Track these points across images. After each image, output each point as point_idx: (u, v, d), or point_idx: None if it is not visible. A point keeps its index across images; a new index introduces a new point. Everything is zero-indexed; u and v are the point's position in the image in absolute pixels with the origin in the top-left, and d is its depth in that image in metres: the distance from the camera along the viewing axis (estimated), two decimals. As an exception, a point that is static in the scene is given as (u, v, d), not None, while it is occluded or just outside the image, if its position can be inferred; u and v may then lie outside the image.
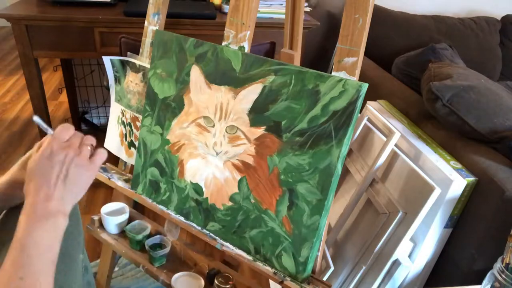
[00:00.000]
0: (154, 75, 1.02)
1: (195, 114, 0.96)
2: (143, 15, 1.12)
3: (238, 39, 0.90)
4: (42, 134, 1.86)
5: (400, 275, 1.11)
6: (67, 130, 0.61)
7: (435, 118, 1.26)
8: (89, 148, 0.63)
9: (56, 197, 0.57)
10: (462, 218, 1.09)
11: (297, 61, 1.04)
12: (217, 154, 0.93)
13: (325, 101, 0.77)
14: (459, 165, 1.10)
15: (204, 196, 0.97)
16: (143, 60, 1.13)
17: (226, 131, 0.91)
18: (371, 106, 1.33)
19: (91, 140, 0.64)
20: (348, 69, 0.78)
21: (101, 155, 0.64)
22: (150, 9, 1.09)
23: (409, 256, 1.12)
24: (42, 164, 0.58)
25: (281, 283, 0.86)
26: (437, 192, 1.00)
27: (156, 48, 1.01)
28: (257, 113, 0.86)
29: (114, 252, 1.20)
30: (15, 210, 0.69)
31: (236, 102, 0.89)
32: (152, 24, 1.10)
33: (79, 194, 0.61)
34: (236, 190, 0.91)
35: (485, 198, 1.03)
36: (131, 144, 1.18)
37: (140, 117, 1.09)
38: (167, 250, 1.08)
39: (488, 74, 1.59)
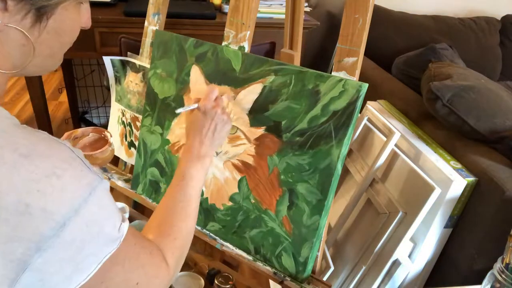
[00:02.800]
0: (154, 75, 1.02)
1: (195, 114, 0.96)
2: (143, 15, 1.11)
3: (238, 39, 0.90)
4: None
5: (400, 275, 1.11)
6: (214, 92, 0.78)
7: (435, 118, 1.26)
8: (227, 109, 0.81)
9: (206, 144, 0.75)
10: (462, 218, 1.09)
11: (297, 61, 1.04)
12: (217, 154, 0.93)
13: (325, 101, 0.77)
14: (459, 165, 1.10)
15: (204, 196, 0.97)
16: (143, 60, 1.13)
17: (226, 131, 0.91)
18: (371, 106, 1.33)
19: (228, 98, 0.86)
20: (348, 69, 0.78)
21: (231, 116, 0.85)
22: (150, 9, 1.09)
23: (409, 256, 1.12)
24: (198, 119, 0.76)
25: (281, 283, 0.86)
26: (437, 192, 1.00)
27: (156, 48, 1.01)
28: (257, 113, 0.86)
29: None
30: None
31: (236, 102, 0.89)
32: (152, 24, 1.10)
33: (221, 143, 0.81)
34: (236, 190, 0.91)
35: (485, 198, 1.03)
36: (131, 144, 1.18)
37: (140, 117, 1.09)
38: (167, 250, 1.08)
39: (488, 74, 1.59)
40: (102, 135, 0.89)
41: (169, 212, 0.65)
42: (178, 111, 0.77)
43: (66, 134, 0.86)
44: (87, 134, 0.87)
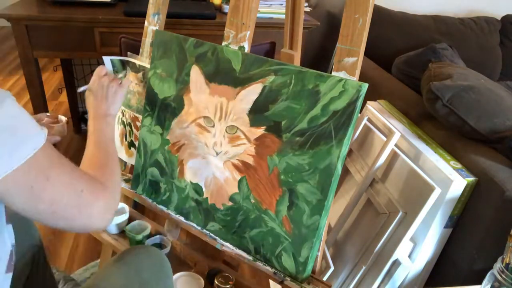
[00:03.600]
0: (154, 75, 1.02)
1: (195, 114, 0.96)
2: (143, 15, 1.11)
3: (238, 39, 0.90)
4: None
5: (400, 275, 1.11)
6: (101, 70, 0.96)
7: (435, 118, 1.26)
8: (119, 78, 1.00)
9: (106, 105, 0.91)
10: (462, 218, 1.09)
11: (297, 61, 1.04)
12: (217, 154, 0.93)
13: (325, 101, 0.77)
14: (459, 165, 1.10)
15: (204, 196, 0.97)
16: (143, 60, 1.13)
17: (226, 131, 0.91)
18: (371, 106, 1.33)
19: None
20: (348, 69, 0.78)
21: (126, 81, 1.00)
22: (150, 9, 1.09)
23: (409, 256, 1.12)
24: (94, 88, 0.93)
25: (281, 283, 0.86)
26: (437, 192, 1.00)
27: (156, 48, 1.01)
28: (257, 113, 0.86)
29: (114, 252, 1.20)
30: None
31: (236, 102, 0.89)
32: (152, 24, 1.10)
33: (118, 105, 0.95)
34: (236, 190, 0.91)
35: (485, 198, 1.03)
36: (131, 144, 1.18)
37: (140, 117, 1.09)
38: (167, 250, 1.08)
39: (488, 74, 1.59)
40: (56, 119, 1.04)
41: (97, 154, 0.79)
42: (79, 90, 1.00)
43: None
44: (43, 119, 1.02)
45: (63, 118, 1.06)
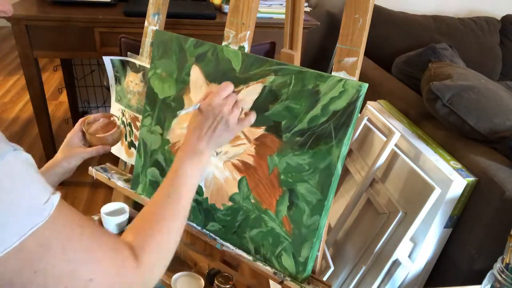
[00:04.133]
0: (154, 75, 1.02)
1: (195, 114, 0.96)
2: (143, 15, 1.12)
3: (238, 39, 0.90)
4: (42, 134, 1.86)
5: (400, 275, 1.11)
6: (227, 89, 0.75)
7: (435, 118, 1.26)
8: (240, 109, 0.77)
9: (204, 141, 0.72)
10: (462, 218, 1.09)
11: (297, 61, 1.04)
12: (217, 154, 0.93)
13: (325, 101, 0.77)
14: (459, 165, 1.10)
15: (204, 196, 0.97)
16: (143, 60, 1.13)
17: (226, 131, 0.91)
18: (371, 106, 1.33)
19: (244, 103, 0.82)
20: (348, 69, 0.78)
21: (250, 119, 0.80)
22: (150, 9, 1.09)
23: (409, 256, 1.12)
24: (201, 115, 0.73)
25: (281, 283, 0.86)
26: (437, 192, 1.00)
27: (156, 48, 1.01)
28: (257, 113, 0.86)
29: (114, 252, 1.20)
30: None
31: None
32: (152, 24, 1.10)
33: (221, 145, 0.78)
34: (236, 190, 0.91)
35: (485, 198, 1.03)
36: (131, 144, 1.18)
37: (140, 117, 1.09)
38: (167, 250, 1.08)
39: (488, 74, 1.59)
40: (111, 119, 1.01)
41: (155, 208, 0.62)
42: (179, 113, 0.74)
43: (80, 120, 0.97)
44: (98, 119, 0.99)
45: (117, 120, 1.00)
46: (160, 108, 1.02)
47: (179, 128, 0.99)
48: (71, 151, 0.92)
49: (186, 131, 0.75)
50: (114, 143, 0.99)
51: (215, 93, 0.74)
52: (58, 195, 0.44)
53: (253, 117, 0.80)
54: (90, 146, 0.96)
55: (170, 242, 0.59)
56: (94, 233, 0.47)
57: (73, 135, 0.95)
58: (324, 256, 1.14)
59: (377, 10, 2.03)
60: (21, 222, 0.39)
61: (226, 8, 1.76)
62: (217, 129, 0.73)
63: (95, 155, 0.94)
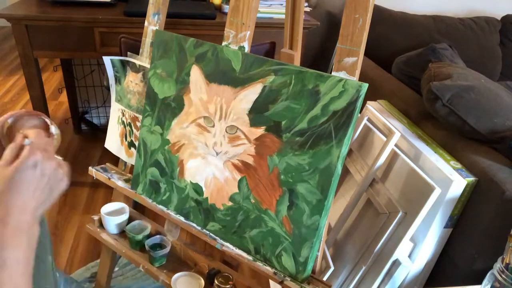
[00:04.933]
0: (154, 75, 1.02)
1: (195, 114, 0.96)
2: (143, 15, 1.12)
3: (238, 39, 0.90)
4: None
5: (400, 275, 1.11)
6: (42, 137, 0.60)
7: (435, 118, 1.26)
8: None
9: (31, 208, 0.55)
10: (462, 218, 1.09)
11: (297, 61, 1.04)
12: (217, 154, 0.93)
13: (325, 101, 0.77)
14: (459, 165, 1.10)
15: (204, 196, 0.97)
16: (143, 60, 1.13)
17: (226, 131, 0.91)
18: (371, 106, 1.33)
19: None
20: (348, 69, 0.78)
21: (67, 168, 0.63)
22: (150, 9, 1.09)
23: (409, 256, 1.12)
24: (25, 175, 0.55)
25: (281, 283, 0.86)
26: (437, 192, 1.00)
27: (156, 48, 1.01)
28: (257, 113, 0.86)
29: (114, 252, 1.20)
30: None
31: (236, 102, 0.89)
32: (152, 24, 1.10)
33: (51, 204, 0.59)
34: (236, 190, 0.91)
35: (485, 198, 1.03)
36: (131, 144, 1.18)
37: (140, 117, 1.09)
38: (167, 250, 1.08)
39: (488, 74, 1.59)
40: (41, 118, 0.76)
41: None
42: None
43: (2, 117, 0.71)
44: (22, 118, 0.73)
45: (54, 131, 0.76)
46: (160, 108, 1.02)
47: (179, 128, 0.99)
48: None
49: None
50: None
51: (35, 148, 0.58)
52: None
53: (67, 165, 0.63)
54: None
55: None
56: None
57: None
58: (324, 256, 1.14)
59: (377, 10, 2.03)
60: None
61: (226, 8, 1.76)
62: (52, 188, 0.59)
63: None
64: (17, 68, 3.36)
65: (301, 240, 0.83)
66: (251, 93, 0.86)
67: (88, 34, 1.60)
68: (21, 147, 0.58)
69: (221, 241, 0.95)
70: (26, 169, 0.55)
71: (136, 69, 1.12)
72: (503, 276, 0.66)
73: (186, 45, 0.96)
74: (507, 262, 0.66)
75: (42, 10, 1.58)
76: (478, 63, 1.97)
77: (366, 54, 1.85)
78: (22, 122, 0.72)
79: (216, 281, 1.00)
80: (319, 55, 2.21)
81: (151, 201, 1.07)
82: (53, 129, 0.75)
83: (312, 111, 0.79)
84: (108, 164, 1.20)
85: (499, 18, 2.23)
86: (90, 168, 1.15)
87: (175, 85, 0.98)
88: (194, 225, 0.99)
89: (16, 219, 0.52)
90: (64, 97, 2.81)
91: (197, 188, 0.98)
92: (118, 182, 1.12)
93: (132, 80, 1.14)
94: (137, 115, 1.14)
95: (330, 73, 0.79)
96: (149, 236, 1.12)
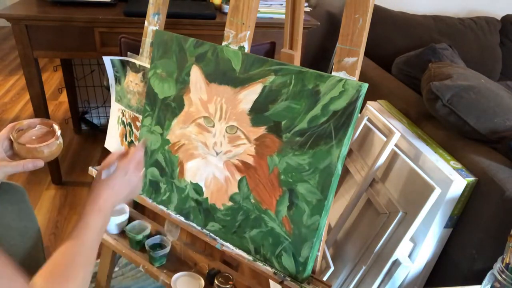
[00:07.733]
0: (154, 75, 1.02)
1: (195, 114, 0.96)
2: (143, 15, 1.12)
3: (238, 39, 0.90)
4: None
5: (400, 275, 1.11)
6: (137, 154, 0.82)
7: (435, 118, 1.26)
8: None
9: (112, 202, 0.75)
10: (462, 218, 1.09)
11: (297, 61, 1.04)
12: (217, 154, 0.93)
13: (325, 101, 0.77)
14: (459, 165, 1.10)
15: (204, 196, 0.97)
16: (143, 60, 1.13)
17: (226, 131, 0.91)
18: (371, 106, 1.33)
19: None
20: (348, 69, 0.78)
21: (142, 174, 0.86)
22: (150, 9, 1.09)
23: (409, 256, 1.12)
24: (119, 182, 0.77)
25: (281, 283, 0.86)
26: (437, 192, 1.00)
27: (156, 48, 1.01)
28: (257, 113, 0.86)
29: (114, 252, 1.20)
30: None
31: (236, 102, 0.89)
32: (152, 24, 1.10)
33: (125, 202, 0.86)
34: (236, 190, 0.91)
35: (485, 198, 1.03)
36: (131, 144, 1.18)
37: (140, 117, 1.09)
38: (167, 250, 1.08)
39: (488, 74, 1.59)
40: (51, 128, 0.84)
41: (65, 257, 0.64)
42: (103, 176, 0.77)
43: (10, 125, 0.80)
44: (34, 126, 0.83)
45: (57, 130, 0.83)
46: (160, 108, 1.02)
47: (179, 128, 0.99)
48: None
49: (94, 187, 0.76)
50: (50, 157, 0.80)
51: (131, 160, 0.81)
52: None
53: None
54: (20, 158, 0.78)
55: None
56: None
57: None
58: (324, 256, 1.14)
59: (377, 10, 2.03)
60: None
61: (226, 8, 1.76)
62: (129, 184, 0.80)
63: (21, 171, 0.76)
64: (17, 68, 3.36)
65: (301, 240, 0.83)
66: (251, 93, 0.86)
67: (88, 34, 1.60)
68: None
69: (221, 241, 0.95)
70: (119, 176, 0.78)
71: (136, 69, 1.12)
72: (503, 276, 0.66)
73: (186, 45, 0.96)
74: (507, 262, 0.66)
75: (42, 10, 1.58)
76: (478, 63, 1.97)
77: (366, 54, 1.85)
78: (33, 127, 0.83)
79: (216, 281, 1.00)
80: (319, 55, 2.22)
81: (151, 201, 1.07)
82: (59, 132, 0.83)
83: (312, 111, 0.79)
84: (108, 164, 1.20)
85: (499, 18, 2.23)
86: (90, 168, 1.15)
87: (175, 85, 0.98)
88: (194, 225, 0.99)
89: (100, 204, 0.73)
90: (64, 97, 2.81)
91: (197, 188, 0.98)
92: (118, 182, 1.12)
93: (132, 80, 1.14)
94: (137, 115, 1.14)
95: (330, 73, 0.79)
96: (149, 236, 1.12)
